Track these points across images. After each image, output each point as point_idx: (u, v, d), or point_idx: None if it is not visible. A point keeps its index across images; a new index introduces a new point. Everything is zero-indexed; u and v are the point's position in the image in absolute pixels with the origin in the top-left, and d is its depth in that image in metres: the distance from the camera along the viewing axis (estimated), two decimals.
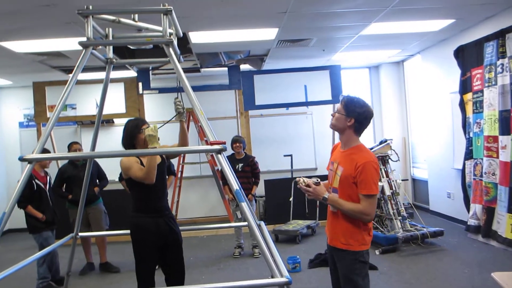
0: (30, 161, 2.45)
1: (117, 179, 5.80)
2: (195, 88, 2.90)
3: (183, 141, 3.27)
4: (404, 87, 8.63)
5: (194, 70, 7.68)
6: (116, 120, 8.26)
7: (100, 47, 3.79)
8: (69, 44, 5.41)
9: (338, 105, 2.67)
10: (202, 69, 7.56)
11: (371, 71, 9.10)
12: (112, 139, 8.12)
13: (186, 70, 4.95)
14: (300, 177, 2.66)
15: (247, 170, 5.71)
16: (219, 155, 2.51)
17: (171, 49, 2.77)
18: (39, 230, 4.80)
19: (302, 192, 2.65)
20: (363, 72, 9.12)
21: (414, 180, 8.51)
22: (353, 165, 2.49)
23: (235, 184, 2.47)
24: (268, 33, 5.66)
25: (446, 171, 6.86)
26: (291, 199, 6.92)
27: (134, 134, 3.18)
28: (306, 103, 7.76)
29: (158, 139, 2.96)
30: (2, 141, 8.50)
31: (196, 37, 5.62)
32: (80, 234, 3.85)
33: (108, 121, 8.17)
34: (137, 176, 3.06)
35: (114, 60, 3.30)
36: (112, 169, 6.16)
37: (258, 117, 8.29)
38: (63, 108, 7.35)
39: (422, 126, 7.87)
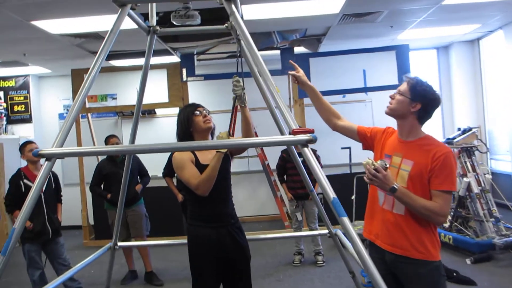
0: (48, 157, 1.83)
1: (160, 175, 5.21)
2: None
3: (247, 132, 2.56)
4: (480, 68, 7.55)
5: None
6: (158, 111, 7.70)
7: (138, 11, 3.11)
8: (106, 23, 4.82)
9: (400, 87, 2.23)
10: None
11: (439, 52, 8.06)
12: (154, 131, 7.63)
13: (235, 55, 4.24)
14: (368, 158, 2.14)
15: None
16: (305, 149, 1.78)
17: (233, 6, 2.07)
18: (22, 241, 3.96)
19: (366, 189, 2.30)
20: (431, 53, 8.10)
21: (493, 174, 7.46)
22: (428, 157, 2.07)
23: (332, 192, 1.70)
24: (332, 5, 4.84)
25: None
26: (353, 197, 6.09)
27: (189, 117, 2.51)
28: (366, 89, 6.91)
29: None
30: (42, 134, 8.12)
31: (249, 12, 4.87)
32: (119, 244, 3.24)
33: (150, 112, 7.60)
34: (189, 183, 2.38)
35: (157, 28, 2.61)
36: (154, 164, 5.59)
37: (313, 105, 7.48)
38: (103, 98, 7.02)
39: (504, 112, 6.83)
